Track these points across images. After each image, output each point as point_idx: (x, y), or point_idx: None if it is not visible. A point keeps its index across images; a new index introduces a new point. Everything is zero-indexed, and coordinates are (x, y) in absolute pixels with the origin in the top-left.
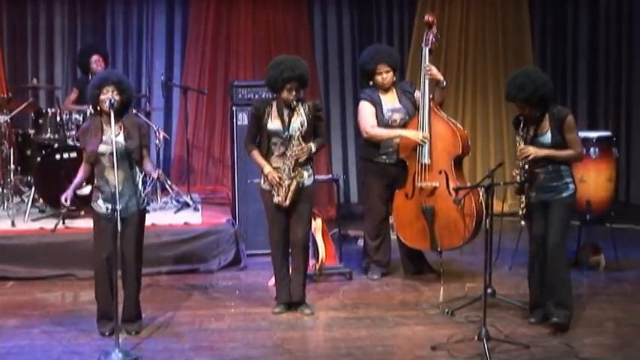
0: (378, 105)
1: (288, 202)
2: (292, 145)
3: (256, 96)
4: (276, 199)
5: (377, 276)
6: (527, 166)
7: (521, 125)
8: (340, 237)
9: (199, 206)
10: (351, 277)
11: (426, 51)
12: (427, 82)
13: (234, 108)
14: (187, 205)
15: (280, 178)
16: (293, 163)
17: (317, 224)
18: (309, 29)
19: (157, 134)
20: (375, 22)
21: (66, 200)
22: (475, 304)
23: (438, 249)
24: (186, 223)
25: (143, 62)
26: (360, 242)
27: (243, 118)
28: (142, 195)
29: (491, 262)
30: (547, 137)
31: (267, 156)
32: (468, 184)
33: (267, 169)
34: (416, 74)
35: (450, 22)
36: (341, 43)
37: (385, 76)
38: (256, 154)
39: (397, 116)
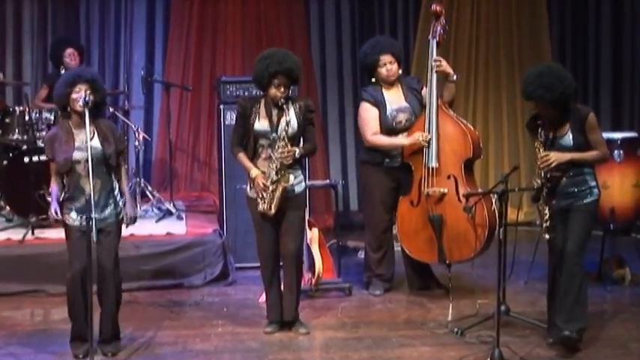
0: (381, 105)
1: (274, 210)
2: (278, 147)
3: (246, 93)
4: (261, 207)
5: (379, 291)
6: (549, 175)
7: (539, 129)
8: (339, 248)
9: (183, 215)
10: (350, 292)
11: (433, 44)
12: (435, 77)
13: (221, 106)
14: (170, 213)
15: (265, 184)
16: (278, 167)
17: (313, 234)
18: (304, 20)
19: (137, 135)
20: (377, 12)
21: (56, 213)
22: (487, 323)
23: (447, 262)
24: (168, 234)
25: (121, 56)
26: (361, 254)
27: (231, 118)
28: (120, 203)
29: (505, 277)
30: (568, 139)
31: (253, 159)
32: (480, 190)
33: (254, 172)
34: (422, 70)
35: (460, 12)
36: (340, 37)
37: (390, 67)
38: (243, 157)
39: (402, 117)
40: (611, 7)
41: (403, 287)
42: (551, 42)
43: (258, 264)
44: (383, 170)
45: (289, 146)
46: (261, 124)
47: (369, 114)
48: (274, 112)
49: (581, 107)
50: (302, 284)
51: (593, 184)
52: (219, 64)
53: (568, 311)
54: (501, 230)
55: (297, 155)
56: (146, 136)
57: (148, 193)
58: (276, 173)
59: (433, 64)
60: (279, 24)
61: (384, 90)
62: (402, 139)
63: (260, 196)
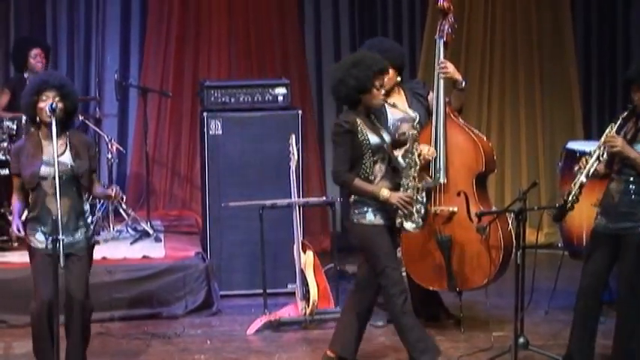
0: (382, 116)
1: (423, 223)
2: (412, 147)
3: (232, 99)
4: (410, 226)
5: (382, 322)
6: (593, 169)
7: (626, 114)
8: (336, 274)
9: (161, 236)
10: None
11: (440, 44)
12: (442, 82)
13: (205, 114)
14: (147, 234)
15: (410, 196)
16: (417, 171)
17: (308, 258)
18: (298, 18)
19: (110, 146)
20: (380, 11)
21: (19, 230)
22: (504, 358)
23: (457, 289)
24: (145, 257)
25: (92, 57)
26: None
27: (216, 127)
28: (91, 227)
29: (523, 306)
30: None
31: (370, 182)
32: (495, 209)
33: (386, 192)
34: (429, 74)
35: (472, 9)
36: (337, 36)
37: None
38: (361, 183)
39: (406, 127)
40: None
41: None
42: (575, 41)
43: (246, 291)
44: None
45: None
46: (373, 137)
47: None
48: (372, 123)
49: None
50: (295, 314)
51: None
52: (202, 67)
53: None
54: (519, 253)
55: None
56: (120, 148)
57: (121, 211)
58: (415, 179)
59: (440, 66)
60: (269, 22)
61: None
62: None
63: (404, 215)
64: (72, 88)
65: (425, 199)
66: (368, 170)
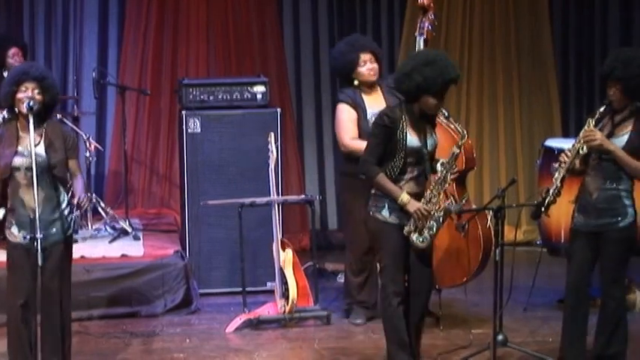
0: (360, 108)
1: (430, 241)
2: (449, 164)
3: (211, 97)
4: (416, 239)
5: (361, 320)
6: (576, 165)
7: (603, 109)
8: (315, 272)
9: (140, 234)
10: (328, 321)
11: (420, 41)
12: None
13: (183, 112)
14: (125, 232)
15: (429, 211)
16: (445, 189)
17: (287, 256)
18: (276, 15)
19: (88, 145)
20: (359, 8)
21: None
22: (483, 355)
23: (437, 287)
24: (123, 256)
25: (70, 55)
26: (341, 278)
27: (195, 125)
28: (68, 220)
29: (502, 303)
30: (622, 140)
31: (396, 180)
32: (474, 207)
33: (406, 197)
34: None
35: (451, 6)
36: (316, 34)
37: (371, 66)
38: (385, 180)
39: None
40: (619, 4)
41: None
42: (553, 43)
43: (225, 289)
44: (364, 184)
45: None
46: (412, 139)
47: (346, 116)
48: (421, 125)
49: None
50: (274, 312)
51: (628, 202)
52: (180, 65)
53: (599, 350)
54: (497, 251)
55: None
56: (98, 146)
57: (100, 210)
58: (440, 195)
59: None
60: (248, 20)
61: (363, 94)
62: None
63: (416, 227)
64: (52, 81)
65: (442, 220)
66: (397, 169)
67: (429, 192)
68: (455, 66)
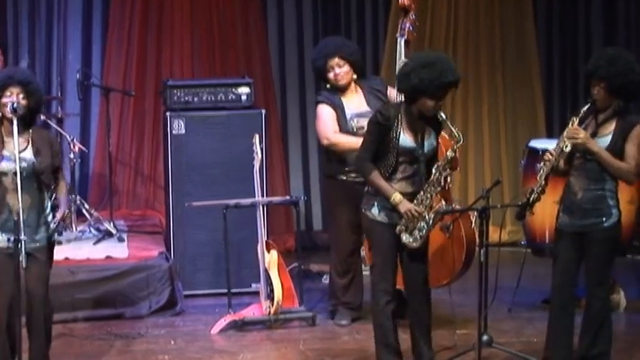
0: (339, 109)
1: (421, 242)
2: (443, 167)
3: (195, 99)
4: (407, 239)
5: (346, 321)
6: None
7: (587, 108)
8: (300, 273)
9: (124, 236)
10: (314, 322)
11: (401, 42)
12: None
13: (168, 113)
14: (110, 234)
15: (420, 212)
16: (438, 191)
17: (272, 257)
18: (261, 18)
19: (72, 146)
20: (343, 10)
21: None
22: (468, 356)
23: None
24: (108, 258)
25: (54, 56)
26: (326, 280)
27: (179, 127)
28: (53, 225)
29: (486, 304)
30: (605, 140)
31: (388, 178)
32: (458, 207)
33: (399, 197)
34: (393, 71)
35: (435, 7)
36: (301, 35)
37: (338, 71)
38: (378, 178)
39: (364, 122)
40: (602, 4)
41: None
42: (537, 44)
43: (210, 291)
44: (348, 185)
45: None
46: (406, 138)
47: (327, 114)
48: (419, 125)
49: (634, 116)
50: (259, 313)
51: (613, 203)
52: (165, 66)
53: (584, 351)
54: (482, 251)
55: None
56: (82, 148)
57: (84, 211)
58: (432, 197)
59: (402, 63)
60: (232, 21)
61: (341, 95)
62: None
63: (406, 227)
64: (37, 86)
65: (432, 222)
66: (390, 168)
67: (421, 193)
68: (455, 69)
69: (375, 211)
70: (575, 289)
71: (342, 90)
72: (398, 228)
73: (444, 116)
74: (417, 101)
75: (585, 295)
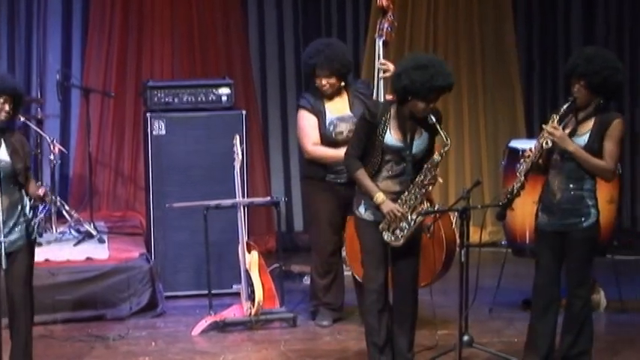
0: (320, 113)
1: (403, 241)
2: (427, 172)
3: (176, 99)
4: (388, 237)
5: (327, 322)
6: (539, 160)
7: (567, 106)
8: (281, 274)
9: (105, 237)
10: (295, 323)
11: (379, 43)
12: (382, 81)
13: (148, 114)
14: (90, 235)
15: (404, 213)
16: (423, 193)
17: (252, 258)
18: (242, 18)
19: (52, 147)
20: (324, 10)
21: None
22: (448, 356)
23: None
24: (88, 259)
25: (33, 56)
26: (307, 280)
27: (160, 127)
28: (32, 223)
29: (467, 304)
30: (583, 139)
31: (374, 177)
32: (438, 207)
33: (381, 197)
34: (372, 73)
35: (415, 7)
36: (282, 36)
37: (325, 82)
38: (364, 176)
39: (344, 126)
40: (582, 5)
41: (354, 317)
42: (517, 44)
43: (191, 292)
44: (329, 187)
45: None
46: (392, 137)
47: (307, 122)
48: (408, 126)
49: (611, 113)
50: (240, 314)
51: (592, 203)
52: (145, 67)
53: (566, 350)
54: (463, 252)
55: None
56: (62, 149)
57: (64, 212)
58: (420, 202)
59: (379, 67)
60: (213, 21)
61: (325, 98)
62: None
63: (388, 226)
64: (23, 92)
65: (414, 223)
66: (375, 166)
67: (406, 194)
68: (448, 74)
69: (362, 209)
70: (557, 288)
71: (329, 96)
72: (380, 226)
73: (433, 119)
74: (408, 102)
75: (566, 295)
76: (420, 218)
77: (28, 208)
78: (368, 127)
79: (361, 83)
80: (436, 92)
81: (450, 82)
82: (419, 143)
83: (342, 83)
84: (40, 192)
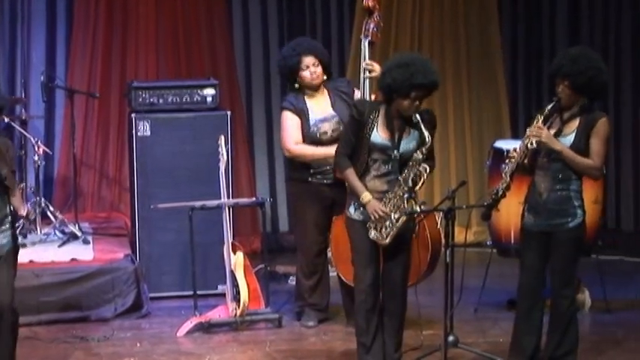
0: (303, 114)
1: (389, 240)
2: (410, 170)
3: (161, 100)
4: (373, 235)
5: (313, 322)
6: (525, 161)
7: (552, 106)
8: (267, 274)
9: (90, 238)
10: (280, 324)
11: (365, 44)
12: (368, 82)
13: (133, 115)
14: (74, 236)
15: (386, 213)
16: (407, 191)
17: (238, 259)
18: (226, 18)
19: (36, 148)
20: (308, 10)
21: None
22: (434, 356)
23: None
24: (73, 260)
25: (17, 57)
26: (292, 281)
27: (144, 128)
28: (15, 229)
29: (452, 304)
30: (570, 139)
31: (362, 176)
32: (422, 208)
33: (366, 197)
34: (358, 75)
35: (400, 8)
36: (266, 37)
37: (314, 70)
38: (352, 175)
39: (327, 127)
40: (567, 6)
41: (339, 317)
42: (502, 44)
43: (176, 293)
44: (314, 187)
45: (420, 168)
46: (379, 136)
47: (290, 122)
48: (396, 125)
49: (597, 112)
50: (225, 315)
51: (578, 203)
52: (130, 67)
53: (551, 351)
54: (448, 252)
55: (427, 172)
56: (47, 150)
57: (49, 214)
58: (403, 200)
59: (365, 67)
60: (197, 22)
61: (307, 98)
62: (330, 149)
63: (374, 224)
64: (5, 102)
65: (398, 222)
66: (363, 164)
67: (389, 193)
68: (430, 72)
69: (351, 209)
70: (542, 289)
71: (314, 90)
72: (367, 224)
73: (418, 117)
74: (394, 101)
75: (551, 295)
76: (403, 218)
77: (11, 212)
78: (356, 126)
79: (341, 82)
80: (417, 90)
81: (431, 80)
82: (406, 142)
83: (325, 77)
84: (23, 212)
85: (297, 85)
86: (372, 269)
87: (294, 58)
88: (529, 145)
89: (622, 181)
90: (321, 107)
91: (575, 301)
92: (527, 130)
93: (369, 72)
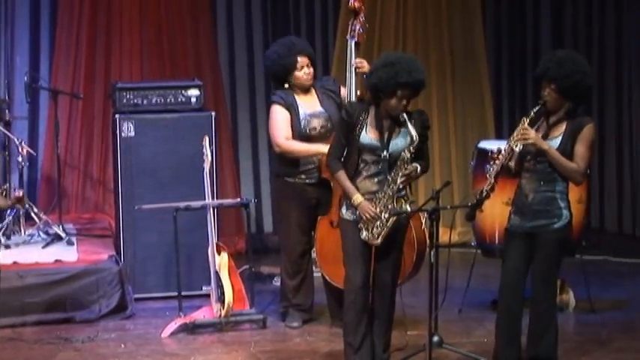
0: (293, 109)
1: (381, 240)
2: (398, 170)
3: (145, 101)
4: (365, 236)
5: (297, 323)
6: (511, 163)
7: (537, 109)
8: (251, 275)
9: (74, 239)
10: (264, 324)
11: (351, 44)
12: (354, 78)
13: (117, 116)
14: (59, 238)
15: (376, 214)
16: (396, 191)
17: (222, 260)
18: (210, 18)
19: (20, 149)
20: (292, 11)
21: None
22: (418, 357)
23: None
24: (57, 261)
25: (1, 58)
26: (276, 282)
27: (129, 129)
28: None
29: (437, 304)
30: (556, 142)
31: (353, 177)
32: (407, 208)
33: (358, 198)
34: (342, 73)
35: (384, 9)
36: (250, 37)
37: (308, 70)
38: (343, 177)
39: (317, 123)
40: (550, 9)
41: (324, 318)
42: (486, 45)
43: (161, 294)
44: (299, 187)
45: (408, 167)
46: (368, 136)
47: (279, 117)
48: (385, 125)
49: (583, 117)
50: (210, 316)
51: (563, 204)
52: (114, 68)
53: (532, 351)
54: (432, 252)
55: (418, 172)
56: (31, 151)
57: (33, 215)
58: (392, 200)
59: (354, 64)
60: (181, 23)
61: (296, 95)
62: (320, 146)
63: (366, 225)
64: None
65: (389, 222)
66: (353, 165)
67: (379, 193)
68: (416, 70)
69: (344, 209)
70: (523, 290)
71: (299, 91)
72: (359, 225)
73: (405, 117)
74: (381, 100)
75: (532, 295)
76: (393, 218)
77: None
78: (346, 127)
79: (327, 80)
80: (403, 89)
81: (415, 79)
82: (396, 143)
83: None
84: (19, 193)
85: (286, 85)
86: (363, 270)
87: (290, 57)
88: (514, 147)
89: (606, 181)
90: (310, 103)
91: (555, 302)
92: (514, 132)
93: (360, 68)
